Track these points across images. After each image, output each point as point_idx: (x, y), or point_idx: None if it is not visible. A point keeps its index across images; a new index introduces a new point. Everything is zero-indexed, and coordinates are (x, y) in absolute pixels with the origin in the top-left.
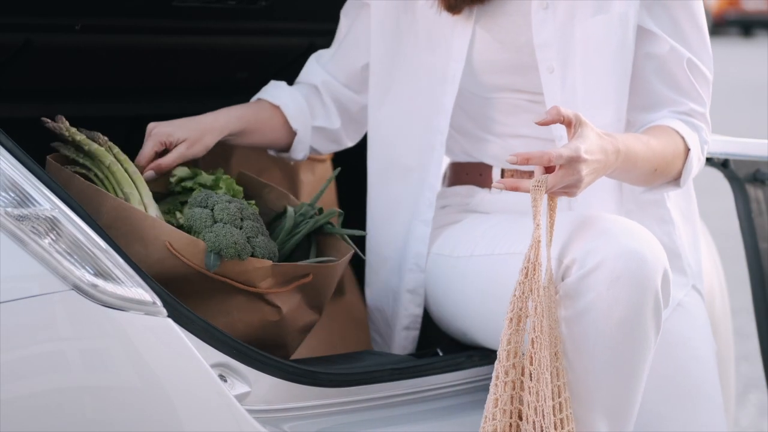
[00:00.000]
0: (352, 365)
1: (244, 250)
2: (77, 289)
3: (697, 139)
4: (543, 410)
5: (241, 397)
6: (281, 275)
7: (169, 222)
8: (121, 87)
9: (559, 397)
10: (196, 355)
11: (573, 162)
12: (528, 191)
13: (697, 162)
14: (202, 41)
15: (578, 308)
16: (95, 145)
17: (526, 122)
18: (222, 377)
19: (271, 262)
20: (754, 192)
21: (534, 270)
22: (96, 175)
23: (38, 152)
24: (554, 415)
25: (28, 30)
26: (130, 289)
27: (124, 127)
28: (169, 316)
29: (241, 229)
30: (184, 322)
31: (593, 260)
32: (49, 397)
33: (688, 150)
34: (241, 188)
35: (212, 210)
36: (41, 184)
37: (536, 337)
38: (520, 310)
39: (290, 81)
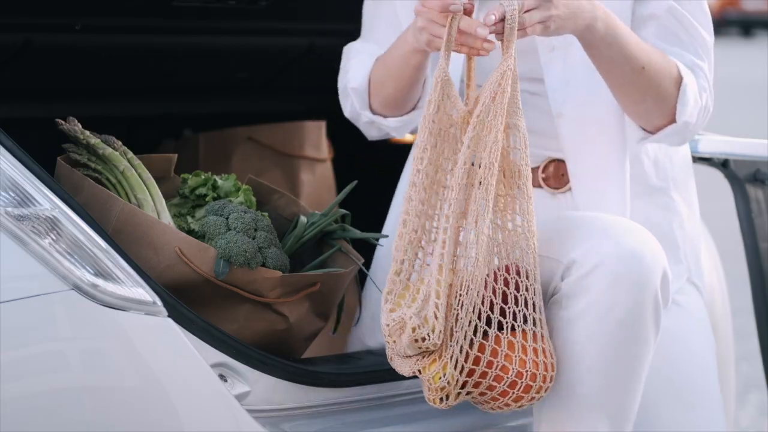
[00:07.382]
0: (352, 365)
1: (254, 258)
2: (77, 288)
3: (694, 78)
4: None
5: (241, 397)
6: (289, 285)
7: (180, 226)
8: (121, 87)
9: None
10: (196, 355)
11: None
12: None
13: (693, 100)
14: (202, 41)
15: (578, 308)
16: (109, 150)
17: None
18: (222, 377)
19: (280, 273)
20: (754, 192)
21: (502, 95)
22: (108, 179)
23: (39, 152)
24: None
25: (28, 30)
26: (130, 288)
27: (124, 127)
28: (169, 315)
29: (254, 239)
30: (184, 321)
31: (593, 261)
32: (49, 397)
33: (681, 79)
34: (254, 200)
35: (227, 218)
36: (41, 183)
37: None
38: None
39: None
